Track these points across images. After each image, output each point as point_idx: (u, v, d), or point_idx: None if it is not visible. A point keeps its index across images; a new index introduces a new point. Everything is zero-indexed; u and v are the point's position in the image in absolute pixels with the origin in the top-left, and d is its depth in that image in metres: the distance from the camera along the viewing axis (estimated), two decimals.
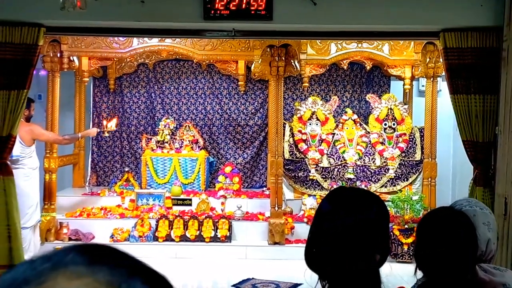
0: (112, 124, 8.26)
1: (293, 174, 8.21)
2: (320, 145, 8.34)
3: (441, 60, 6.77)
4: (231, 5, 5.38)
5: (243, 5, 5.38)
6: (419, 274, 2.16)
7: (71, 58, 8.27)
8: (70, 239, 7.61)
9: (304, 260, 1.68)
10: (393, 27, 5.83)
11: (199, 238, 7.58)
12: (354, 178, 8.17)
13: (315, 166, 8.20)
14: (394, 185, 8.19)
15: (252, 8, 5.39)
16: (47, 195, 7.68)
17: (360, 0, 5.53)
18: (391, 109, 8.36)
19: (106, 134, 8.52)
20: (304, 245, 1.71)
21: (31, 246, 6.94)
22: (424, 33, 6.05)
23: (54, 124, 7.76)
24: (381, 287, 1.69)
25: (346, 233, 1.62)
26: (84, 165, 9.22)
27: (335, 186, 8.05)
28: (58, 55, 7.88)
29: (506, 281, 2.25)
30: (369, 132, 8.44)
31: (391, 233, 7.43)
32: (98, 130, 8.28)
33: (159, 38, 7.88)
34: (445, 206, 2.35)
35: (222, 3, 5.37)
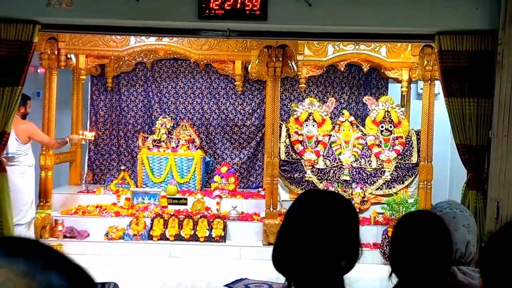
0: (89, 135, 8.38)
1: (289, 175, 8.20)
2: (317, 146, 8.33)
3: None
4: (225, 4, 5.38)
5: (238, 5, 5.38)
6: (394, 278, 2.15)
7: (69, 55, 8.29)
8: (65, 236, 7.62)
9: (272, 261, 1.67)
10: (388, 29, 5.82)
11: (194, 238, 7.57)
12: (350, 180, 8.16)
13: (311, 167, 8.19)
14: (390, 188, 8.18)
15: (247, 8, 5.39)
16: (43, 192, 7.69)
17: (355, 2, 5.52)
18: (388, 111, 8.34)
19: (83, 142, 8.58)
20: None
21: None
22: (420, 36, 6.03)
23: (51, 121, 7.77)
24: None
25: (316, 236, 1.61)
26: (80, 163, 9.23)
27: (331, 188, 8.04)
28: (56, 52, 7.88)
29: None
30: (365, 134, 8.42)
31: (386, 235, 7.42)
32: (79, 137, 8.33)
33: (156, 37, 7.89)
34: (421, 210, 2.35)
35: (217, 2, 5.37)
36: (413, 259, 2.02)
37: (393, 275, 2.09)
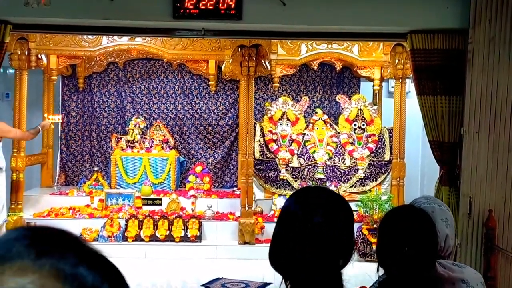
0: (55, 118, 8.13)
1: (263, 174, 8.22)
2: (291, 145, 8.37)
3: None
4: (200, 4, 5.37)
5: (213, 5, 5.38)
6: (381, 271, 2.18)
7: (39, 56, 8.18)
8: None
9: (269, 260, 1.66)
10: (361, 29, 5.88)
11: (169, 238, 7.55)
12: (324, 178, 8.21)
13: (286, 166, 8.23)
14: (363, 185, 8.26)
15: (222, 7, 5.39)
16: (14, 194, 7.57)
17: (329, 1, 5.57)
18: (360, 109, 8.43)
19: (52, 126, 8.33)
20: None
21: None
22: (392, 35, 6.11)
23: (22, 123, 7.66)
24: None
25: (314, 235, 1.60)
26: (52, 165, 9.12)
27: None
28: (26, 53, 7.77)
29: (465, 277, 2.28)
30: (339, 133, 8.50)
31: (360, 232, 7.50)
32: (49, 121, 8.12)
33: (129, 37, 7.84)
34: (406, 205, 2.37)
35: (192, 2, 5.36)
36: (400, 254, 2.05)
37: (380, 269, 2.12)
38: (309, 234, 1.59)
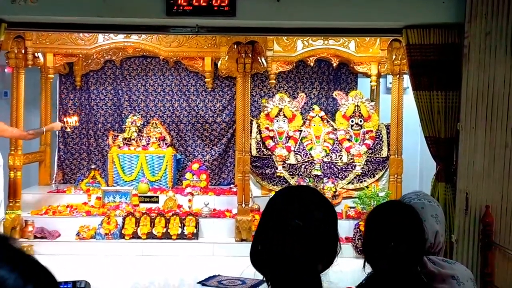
0: (72, 120, 8.14)
1: (260, 171, 8.21)
2: (287, 142, 8.35)
3: None
4: (194, 1, 5.35)
5: (206, 1, 5.36)
6: (368, 268, 2.16)
7: (36, 54, 8.16)
8: (35, 237, 7.52)
9: (250, 259, 1.62)
10: (356, 24, 5.85)
11: (166, 236, 7.54)
12: (321, 175, 8.19)
13: (282, 163, 8.21)
14: (361, 182, 8.24)
15: (215, 4, 5.37)
16: (12, 192, 7.56)
17: None
18: (358, 106, 8.41)
19: (68, 130, 8.32)
20: None
21: None
22: (388, 30, 6.07)
23: (19, 121, 7.64)
24: None
25: (294, 236, 1.56)
26: (50, 163, 9.11)
27: (302, 183, 8.06)
28: (23, 51, 7.76)
29: (455, 274, 2.27)
30: (336, 129, 8.47)
31: (358, 229, 7.48)
32: (62, 124, 8.13)
33: (125, 35, 7.82)
34: (393, 200, 2.36)
35: None
36: (387, 250, 2.04)
37: (367, 265, 2.11)
38: (289, 235, 1.56)
